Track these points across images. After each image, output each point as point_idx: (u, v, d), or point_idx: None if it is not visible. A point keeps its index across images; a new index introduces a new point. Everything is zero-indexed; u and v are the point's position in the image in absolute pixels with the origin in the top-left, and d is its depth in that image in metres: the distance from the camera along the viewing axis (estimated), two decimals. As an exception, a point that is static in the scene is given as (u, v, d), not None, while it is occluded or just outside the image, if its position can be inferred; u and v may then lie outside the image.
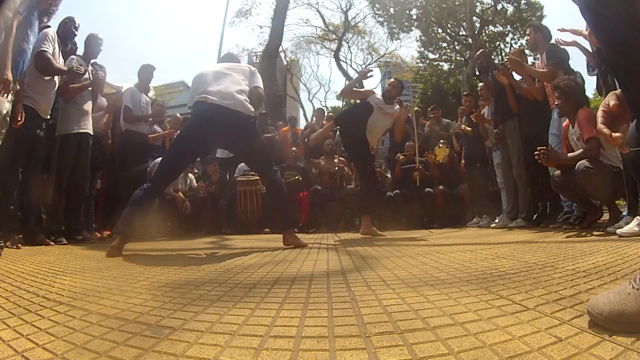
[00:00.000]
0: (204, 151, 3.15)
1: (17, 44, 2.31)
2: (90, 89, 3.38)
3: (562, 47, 3.35)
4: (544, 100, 3.39)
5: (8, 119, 2.32)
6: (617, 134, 0.77)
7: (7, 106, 2.27)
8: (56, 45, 2.93)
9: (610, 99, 0.85)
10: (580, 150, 2.64)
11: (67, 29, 3.25)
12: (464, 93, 5.78)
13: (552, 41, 3.44)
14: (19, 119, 2.51)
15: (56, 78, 2.98)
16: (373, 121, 3.38)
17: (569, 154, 2.70)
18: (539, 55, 3.61)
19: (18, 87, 2.42)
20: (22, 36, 2.36)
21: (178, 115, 6.01)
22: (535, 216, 3.60)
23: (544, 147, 2.64)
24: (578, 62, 3.50)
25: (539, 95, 3.40)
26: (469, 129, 4.43)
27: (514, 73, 3.53)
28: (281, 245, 2.43)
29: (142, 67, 4.31)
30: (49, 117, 2.96)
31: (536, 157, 2.61)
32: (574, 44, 3.28)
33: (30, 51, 2.53)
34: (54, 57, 2.88)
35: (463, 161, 4.72)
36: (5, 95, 2.21)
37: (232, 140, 2.45)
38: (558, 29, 3.33)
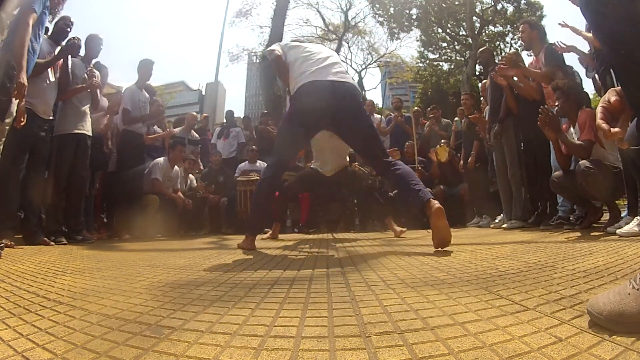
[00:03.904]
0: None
1: (30, 43, 2.26)
2: (89, 90, 3.38)
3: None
4: (542, 100, 3.39)
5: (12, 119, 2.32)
6: (616, 130, 0.77)
7: (15, 108, 2.26)
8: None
9: (611, 95, 0.85)
10: (579, 142, 2.64)
11: (60, 27, 3.23)
12: (463, 93, 5.78)
13: (551, 42, 3.43)
14: (22, 119, 2.50)
15: (51, 75, 2.95)
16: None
17: (566, 139, 2.70)
18: (533, 55, 3.61)
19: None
20: (34, 35, 2.32)
21: (194, 113, 6.12)
22: (534, 216, 3.59)
23: (549, 110, 2.64)
24: (574, 62, 3.50)
25: (536, 94, 3.40)
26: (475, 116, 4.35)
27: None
28: (281, 246, 2.43)
29: (141, 63, 4.28)
30: (51, 117, 2.95)
31: (539, 119, 2.61)
32: (572, 49, 3.25)
33: (38, 50, 2.48)
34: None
35: (462, 162, 4.72)
36: (21, 100, 2.17)
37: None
38: (559, 23, 3.30)
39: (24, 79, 2.13)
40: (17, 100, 2.27)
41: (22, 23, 2.13)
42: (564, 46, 3.30)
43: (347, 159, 3.46)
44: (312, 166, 3.39)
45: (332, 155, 3.18)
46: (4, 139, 2.17)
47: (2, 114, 2.09)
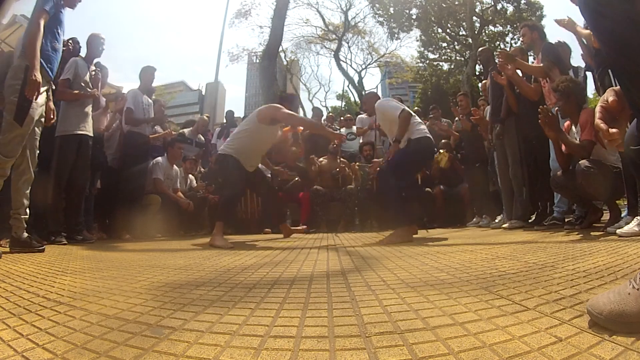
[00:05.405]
0: None
1: (49, 43, 2.30)
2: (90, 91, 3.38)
3: (563, 41, 3.30)
4: (542, 100, 3.38)
5: (43, 119, 2.34)
6: (614, 130, 0.78)
7: (39, 111, 2.26)
8: None
9: (609, 95, 0.85)
10: (578, 142, 2.64)
11: None
12: (458, 94, 5.73)
13: (549, 41, 3.41)
14: (52, 116, 2.49)
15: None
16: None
17: (566, 138, 2.69)
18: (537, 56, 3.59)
19: (54, 87, 2.44)
20: (53, 35, 2.34)
21: (205, 117, 6.29)
22: (534, 216, 3.59)
23: (548, 110, 2.64)
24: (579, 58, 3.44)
25: (535, 95, 3.39)
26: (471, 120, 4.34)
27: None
28: (281, 246, 2.44)
29: (143, 69, 4.32)
30: None
31: (539, 117, 2.60)
32: (572, 25, 3.09)
33: (61, 49, 2.50)
34: None
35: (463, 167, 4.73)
36: (35, 97, 2.17)
37: None
38: (555, 20, 3.23)
39: (36, 76, 2.14)
40: (43, 105, 2.28)
41: (33, 24, 2.17)
42: (564, 20, 3.12)
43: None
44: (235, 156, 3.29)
45: (257, 154, 3.42)
46: (23, 143, 2.17)
47: (21, 118, 2.11)
